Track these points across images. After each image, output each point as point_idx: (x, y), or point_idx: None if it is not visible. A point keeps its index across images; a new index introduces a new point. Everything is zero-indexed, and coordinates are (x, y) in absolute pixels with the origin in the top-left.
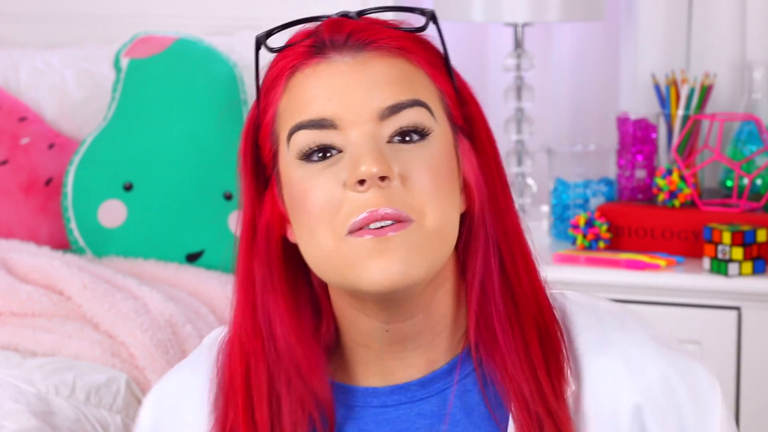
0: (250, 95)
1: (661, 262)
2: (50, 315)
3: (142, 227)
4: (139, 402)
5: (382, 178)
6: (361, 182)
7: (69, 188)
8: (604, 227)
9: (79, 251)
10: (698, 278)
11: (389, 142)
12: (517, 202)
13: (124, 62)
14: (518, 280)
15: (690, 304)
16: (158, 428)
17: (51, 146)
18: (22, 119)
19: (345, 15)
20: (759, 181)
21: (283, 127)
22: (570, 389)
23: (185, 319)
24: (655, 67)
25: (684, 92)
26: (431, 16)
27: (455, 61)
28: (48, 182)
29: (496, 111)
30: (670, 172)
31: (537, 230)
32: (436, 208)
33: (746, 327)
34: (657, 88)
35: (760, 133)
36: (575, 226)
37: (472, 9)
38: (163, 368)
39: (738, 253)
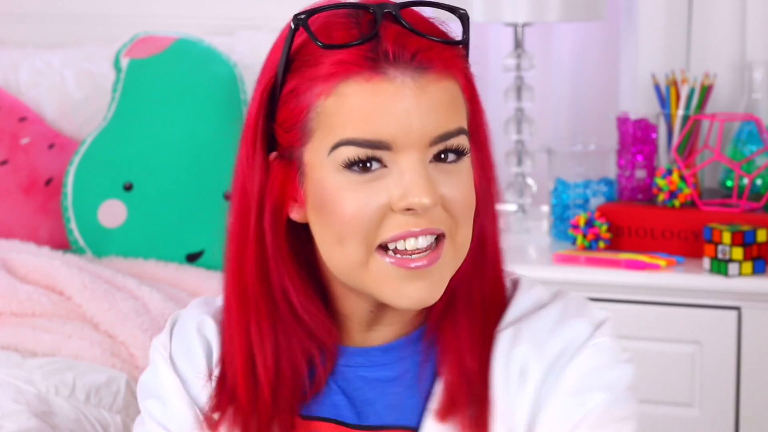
0: (250, 95)
1: (661, 262)
2: (50, 315)
3: (142, 227)
4: None
5: None
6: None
7: (69, 188)
8: (604, 227)
9: (79, 251)
10: (698, 278)
11: (430, 161)
12: (517, 202)
13: (124, 62)
14: (484, 270)
15: (690, 304)
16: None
17: (51, 146)
18: (22, 119)
19: (385, 8)
20: (759, 181)
21: (326, 130)
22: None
23: None
24: (655, 67)
25: (684, 92)
26: (467, 19)
27: None
28: (48, 182)
29: (496, 111)
30: (670, 172)
31: (537, 230)
32: (467, 224)
33: (746, 327)
34: (657, 88)
35: (760, 133)
36: (575, 226)
37: (472, 9)
38: None
39: (738, 253)
